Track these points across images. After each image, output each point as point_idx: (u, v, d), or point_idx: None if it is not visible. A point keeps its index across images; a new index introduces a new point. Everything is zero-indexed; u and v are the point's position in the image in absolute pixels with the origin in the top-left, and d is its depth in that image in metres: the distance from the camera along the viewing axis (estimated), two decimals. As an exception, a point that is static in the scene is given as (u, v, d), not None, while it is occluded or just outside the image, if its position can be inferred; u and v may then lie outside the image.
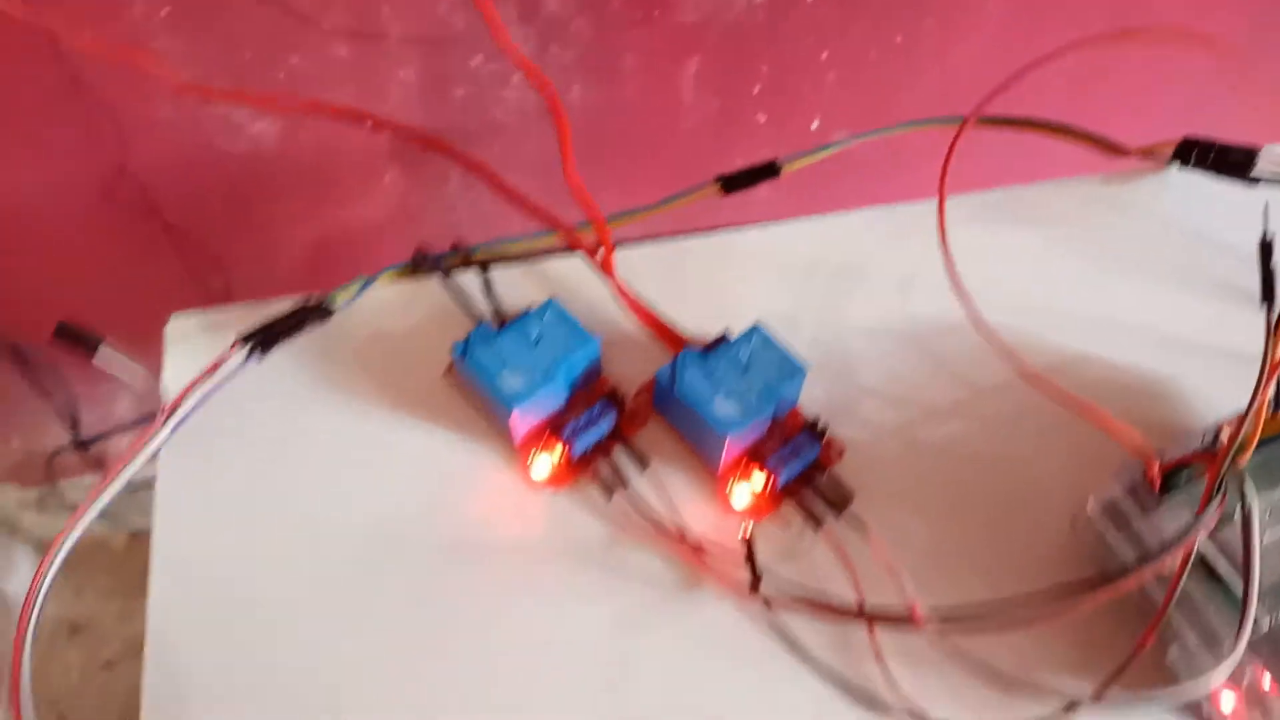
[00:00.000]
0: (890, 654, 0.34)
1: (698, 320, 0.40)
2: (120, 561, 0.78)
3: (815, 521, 0.36)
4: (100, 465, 0.66)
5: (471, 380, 0.37)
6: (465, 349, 0.36)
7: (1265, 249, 0.31)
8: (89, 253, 0.66)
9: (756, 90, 0.66)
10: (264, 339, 0.36)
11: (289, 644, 0.34)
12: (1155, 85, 0.72)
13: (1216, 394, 0.40)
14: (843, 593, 0.35)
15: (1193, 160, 0.44)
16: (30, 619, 0.32)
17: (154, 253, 0.67)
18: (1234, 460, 0.30)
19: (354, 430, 0.38)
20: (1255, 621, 0.29)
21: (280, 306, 0.39)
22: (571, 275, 0.42)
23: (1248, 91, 0.40)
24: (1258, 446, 0.31)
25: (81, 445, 0.60)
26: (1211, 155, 0.43)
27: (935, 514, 0.37)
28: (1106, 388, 0.40)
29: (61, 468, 0.77)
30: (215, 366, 0.35)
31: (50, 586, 0.33)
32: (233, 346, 0.36)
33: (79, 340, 0.35)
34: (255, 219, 0.68)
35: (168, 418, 0.35)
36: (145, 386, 0.37)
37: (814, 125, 0.70)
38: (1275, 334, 0.29)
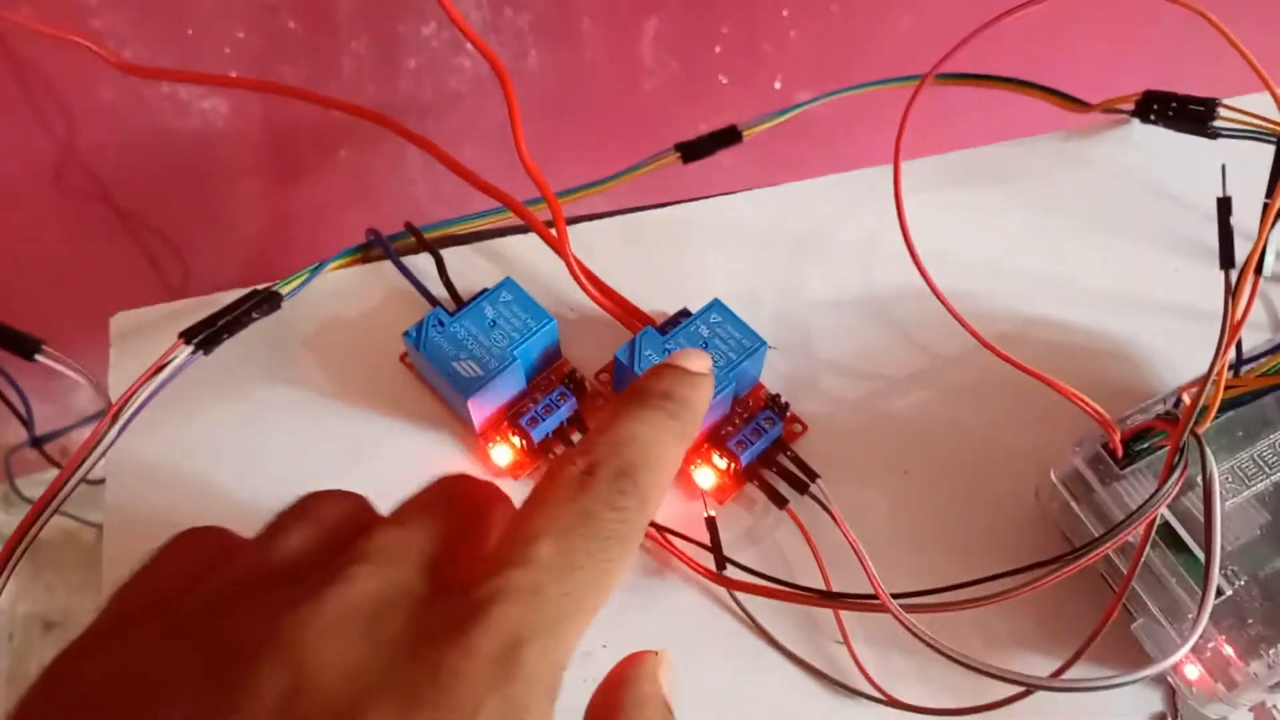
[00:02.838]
0: (857, 636, 0.33)
1: (656, 296, 0.40)
2: (91, 556, 0.77)
3: (779, 501, 0.35)
4: (60, 459, 0.65)
5: (426, 367, 0.36)
6: (418, 336, 0.35)
7: (1223, 207, 0.31)
8: (40, 241, 0.65)
9: (717, 50, 0.65)
10: (208, 334, 0.35)
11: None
12: (1120, 38, 0.71)
13: (1178, 352, 0.39)
14: (809, 572, 0.34)
15: (1154, 114, 0.43)
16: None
17: (108, 238, 0.65)
18: (1194, 427, 0.30)
19: (307, 422, 0.37)
20: (1218, 589, 0.29)
21: (229, 297, 0.38)
22: (529, 253, 0.41)
23: (1213, 43, 0.39)
24: (1219, 410, 0.31)
25: (37, 443, 0.59)
26: (1172, 109, 0.43)
27: (899, 488, 0.36)
28: (1068, 349, 0.40)
29: (20, 464, 0.76)
30: (160, 364, 0.34)
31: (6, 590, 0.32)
32: (176, 344, 0.35)
33: (16, 343, 0.34)
34: (210, 200, 0.66)
35: (113, 419, 0.34)
36: (95, 383, 0.36)
37: (777, 84, 0.68)
38: (1234, 298, 0.29)
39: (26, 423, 0.56)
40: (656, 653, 0.24)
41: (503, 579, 0.20)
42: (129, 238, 0.67)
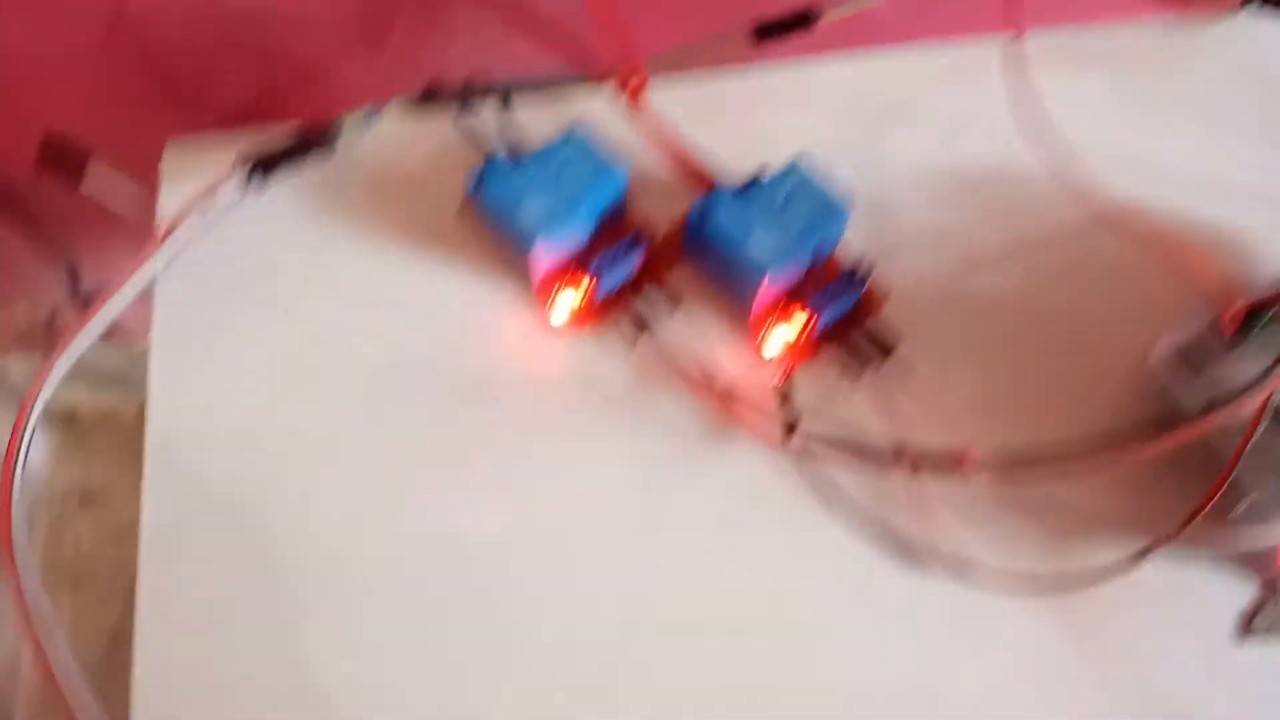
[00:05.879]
0: (929, 509, 0.31)
1: (733, 163, 0.37)
2: (131, 432, 0.76)
3: (855, 369, 0.33)
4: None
5: (488, 214, 0.34)
6: (481, 179, 0.34)
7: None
8: (83, 80, 0.62)
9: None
10: (265, 163, 0.33)
11: (296, 493, 0.33)
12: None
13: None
14: (883, 442, 0.33)
15: (1264, -1, 0.40)
16: (15, 470, 0.30)
17: (150, 76, 0.63)
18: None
19: (360, 268, 0.36)
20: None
21: (282, 133, 0.36)
22: (595, 112, 0.39)
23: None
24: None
25: (82, 301, 0.58)
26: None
27: (984, 363, 0.34)
28: (1170, 237, 0.37)
29: (64, 329, 0.75)
30: (211, 191, 0.33)
31: (32, 437, 0.31)
32: (232, 169, 0.33)
33: (66, 157, 0.32)
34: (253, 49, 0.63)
35: (162, 243, 0.32)
36: (142, 216, 0.34)
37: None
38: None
39: (74, 276, 0.55)
40: None
41: None
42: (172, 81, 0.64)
